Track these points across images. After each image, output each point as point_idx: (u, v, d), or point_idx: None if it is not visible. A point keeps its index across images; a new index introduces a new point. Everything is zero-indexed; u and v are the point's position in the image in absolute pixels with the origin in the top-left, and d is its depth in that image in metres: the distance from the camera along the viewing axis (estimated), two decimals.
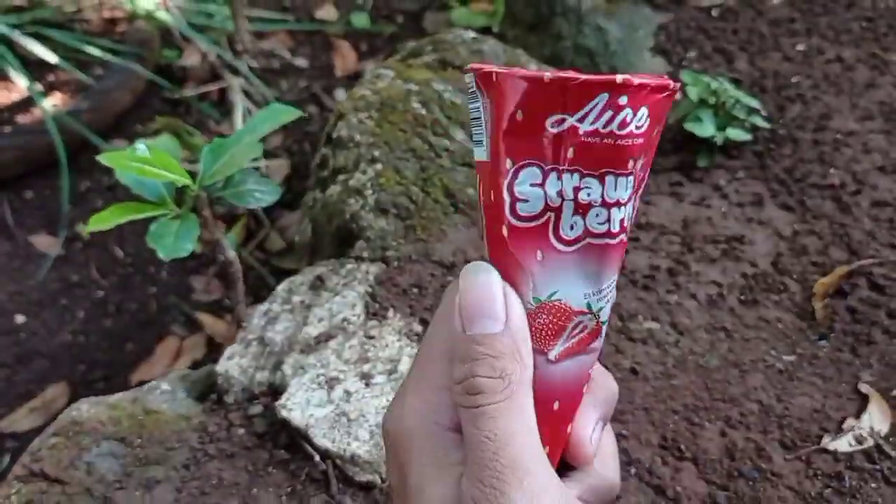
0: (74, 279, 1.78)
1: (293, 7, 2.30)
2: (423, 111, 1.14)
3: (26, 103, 2.04)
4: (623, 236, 0.42)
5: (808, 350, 0.98)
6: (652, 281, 1.06)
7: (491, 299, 0.41)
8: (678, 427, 0.88)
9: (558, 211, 0.41)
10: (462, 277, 0.43)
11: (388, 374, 0.88)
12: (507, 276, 0.42)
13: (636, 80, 0.38)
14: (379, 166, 1.07)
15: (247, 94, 1.98)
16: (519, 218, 0.41)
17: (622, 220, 0.41)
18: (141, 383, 1.01)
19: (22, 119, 2.03)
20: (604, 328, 0.44)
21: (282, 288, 1.03)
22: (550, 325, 0.42)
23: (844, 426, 0.87)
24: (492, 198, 0.42)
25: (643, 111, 0.39)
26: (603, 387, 0.47)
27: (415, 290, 0.98)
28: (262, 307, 1.01)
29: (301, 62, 2.16)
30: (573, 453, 0.45)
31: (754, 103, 1.22)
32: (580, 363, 0.44)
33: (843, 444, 0.86)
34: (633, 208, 0.43)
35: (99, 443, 0.87)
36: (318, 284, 1.01)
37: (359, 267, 1.02)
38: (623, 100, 0.39)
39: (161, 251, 0.86)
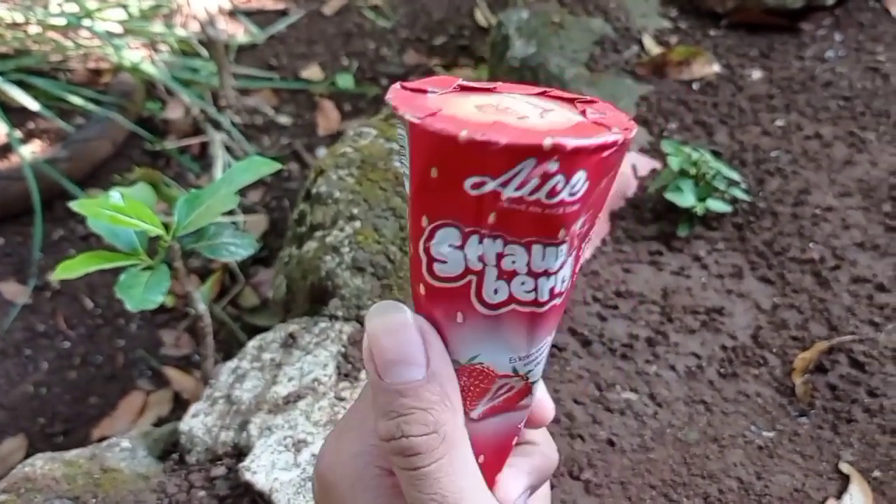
0: (40, 329, 1.73)
1: (279, 66, 2.32)
2: None
3: (4, 150, 2.02)
4: (556, 301, 0.37)
5: (788, 426, 0.96)
6: (630, 350, 1.04)
7: (407, 343, 0.37)
8: (655, 503, 0.86)
9: (480, 274, 0.36)
10: (371, 318, 0.38)
11: None
12: None
13: (570, 145, 0.32)
14: (357, 224, 1.06)
15: (228, 149, 1.98)
16: (437, 278, 0.37)
17: (552, 289, 0.37)
18: (102, 439, 0.97)
19: None
20: (535, 386, 0.41)
21: (252, 345, 1.00)
22: (472, 388, 0.39)
23: None
24: (411, 251, 0.37)
25: (579, 175, 0.34)
26: (542, 455, 0.45)
27: None
28: (231, 364, 0.97)
29: (284, 119, 2.16)
30: None
31: (734, 175, 1.22)
32: (508, 419, 0.42)
33: None
34: (573, 268, 0.38)
35: (51, 501, 0.83)
36: (289, 342, 0.98)
37: (332, 326, 0.99)
38: (553, 166, 0.33)
39: (129, 302, 0.84)
